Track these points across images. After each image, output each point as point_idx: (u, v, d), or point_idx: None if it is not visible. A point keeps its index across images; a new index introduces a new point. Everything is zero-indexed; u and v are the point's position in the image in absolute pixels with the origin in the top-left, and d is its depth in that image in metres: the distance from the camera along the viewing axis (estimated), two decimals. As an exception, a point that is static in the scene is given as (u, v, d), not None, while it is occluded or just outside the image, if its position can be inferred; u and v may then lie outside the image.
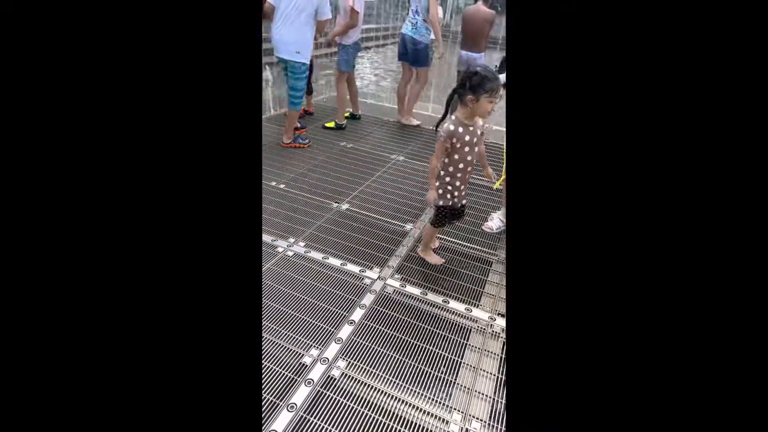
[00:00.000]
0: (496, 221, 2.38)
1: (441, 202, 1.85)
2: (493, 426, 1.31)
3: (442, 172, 1.79)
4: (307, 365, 1.44)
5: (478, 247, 2.21)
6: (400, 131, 3.90)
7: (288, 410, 1.28)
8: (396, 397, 1.37)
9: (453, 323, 1.70)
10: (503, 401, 1.39)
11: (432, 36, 3.59)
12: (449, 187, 1.81)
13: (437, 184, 1.82)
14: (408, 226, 2.33)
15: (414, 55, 3.67)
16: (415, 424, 1.29)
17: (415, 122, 4.07)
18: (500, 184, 2.25)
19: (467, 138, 1.69)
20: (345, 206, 2.47)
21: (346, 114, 3.91)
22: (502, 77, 2.00)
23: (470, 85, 1.59)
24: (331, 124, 3.74)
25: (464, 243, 2.22)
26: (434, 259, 2.04)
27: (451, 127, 1.67)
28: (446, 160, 1.76)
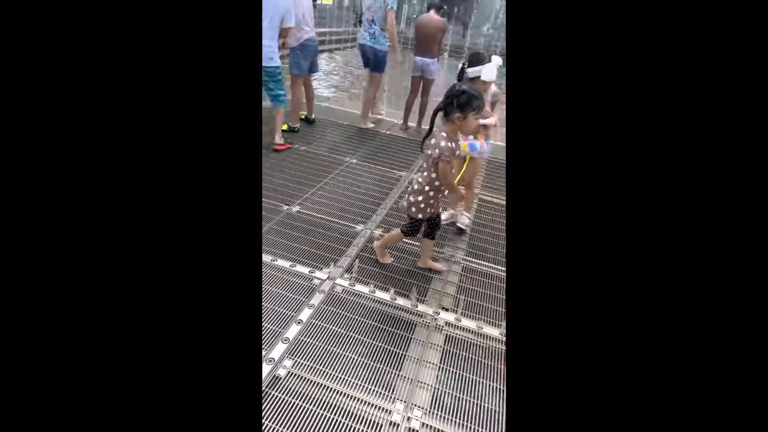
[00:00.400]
0: (464, 218, 2.45)
1: (420, 216, 1.88)
2: (433, 413, 1.38)
3: (427, 187, 1.81)
4: (252, 366, 1.44)
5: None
6: (354, 134, 3.95)
7: (232, 411, 1.28)
8: (341, 392, 1.41)
9: (399, 319, 1.77)
10: (444, 389, 1.47)
11: (389, 43, 3.71)
12: (431, 201, 1.85)
13: (420, 198, 1.84)
14: (359, 227, 2.37)
15: (375, 63, 3.79)
16: (360, 416, 1.34)
17: (371, 125, 4.16)
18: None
19: (456, 153, 1.76)
20: (296, 208, 2.48)
21: (301, 116, 3.91)
22: (491, 67, 1.99)
23: (458, 104, 1.64)
24: (284, 127, 3.72)
25: (413, 242, 2.30)
26: (386, 259, 2.10)
27: (449, 144, 1.71)
28: (434, 175, 1.78)
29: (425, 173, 1.82)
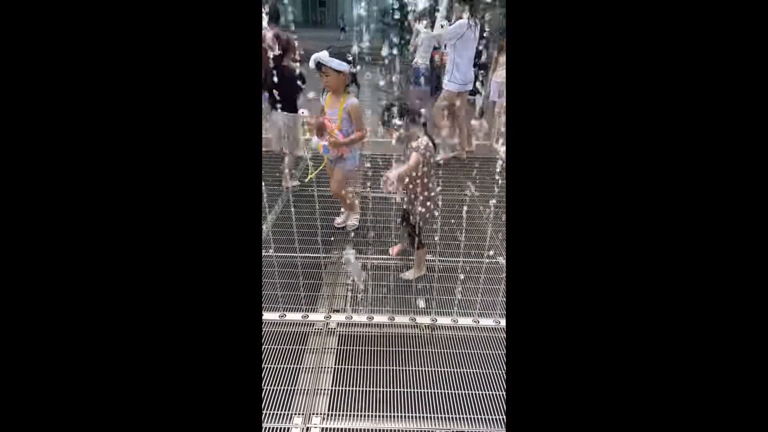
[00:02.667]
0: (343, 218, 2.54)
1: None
2: (332, 415, 1.41)
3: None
4: None
5: (312, 254, 2.31)
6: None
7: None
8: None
9: (290, 334, 1.77)
10: (342, 389, 1.51)
11: None
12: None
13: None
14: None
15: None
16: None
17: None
18: (311, 178, 2.37)
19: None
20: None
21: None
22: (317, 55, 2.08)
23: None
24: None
25: (295, 254, 2.29)
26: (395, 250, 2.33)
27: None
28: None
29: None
